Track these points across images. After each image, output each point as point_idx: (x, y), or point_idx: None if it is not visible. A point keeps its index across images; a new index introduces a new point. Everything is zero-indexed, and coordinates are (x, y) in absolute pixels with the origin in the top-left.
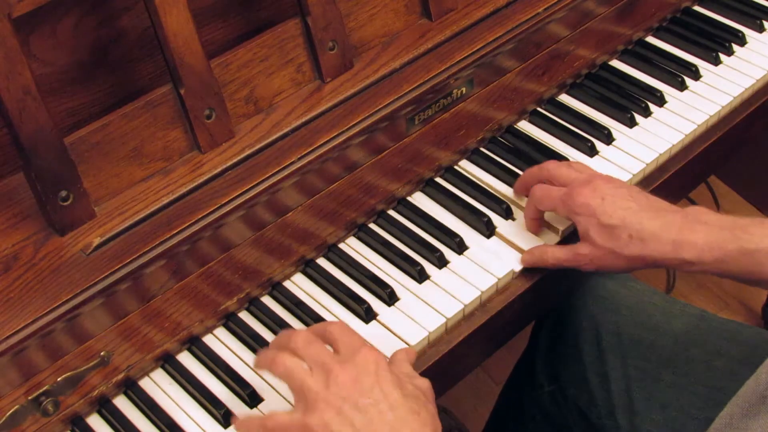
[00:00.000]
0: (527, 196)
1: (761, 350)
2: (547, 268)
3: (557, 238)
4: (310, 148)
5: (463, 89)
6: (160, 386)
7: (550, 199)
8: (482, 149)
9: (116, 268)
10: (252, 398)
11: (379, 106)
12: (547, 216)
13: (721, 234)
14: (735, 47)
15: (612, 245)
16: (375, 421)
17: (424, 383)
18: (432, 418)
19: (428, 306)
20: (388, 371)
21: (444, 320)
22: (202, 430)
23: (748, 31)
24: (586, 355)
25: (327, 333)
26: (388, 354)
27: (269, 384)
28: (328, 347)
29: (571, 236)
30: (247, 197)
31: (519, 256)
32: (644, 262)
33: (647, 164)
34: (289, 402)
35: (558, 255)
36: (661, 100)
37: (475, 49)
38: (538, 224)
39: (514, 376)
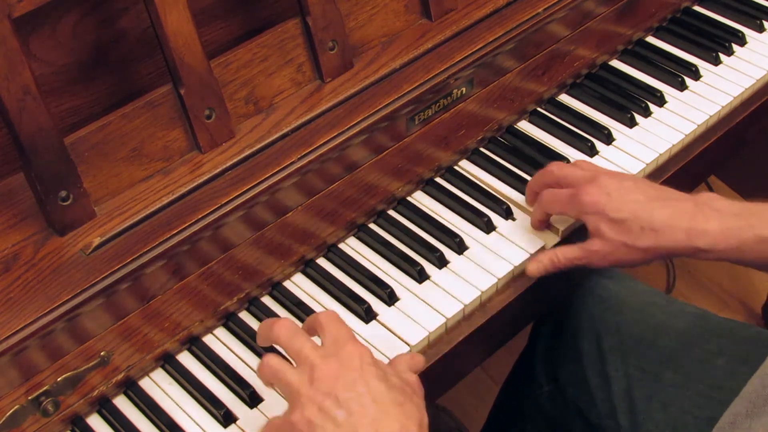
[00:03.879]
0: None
1: (761, 349)
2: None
3: (557, 239)
4: (310, 148)
5: (463, 89)
6: (160, 386)
7: (558, 202)
8: (482, 149)
9: (116, 268)
10: (252, 398)
11: (379, 106)
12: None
13: (736, 221)
14: (735, 47)
15: (624, 238)
16: (356, 415)
17: (412, 377)
18: (417, 410)
19: (428, 306)
20: (374, 365)
21: (444, 320)
22: (202, 430)
23: (748, 31)
24: (585, 355)
25: (316, 323)
26: (390, 353)
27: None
28: (315, 338)
29: (571, 236)
30: (247, 197)
31: (518, 255)
32: (658, 252)
33: (647, 164)
34: None
35: (569, 254)
36: (661, 100)
37: (475, 49)
38: (543, 225)
39: (513, 376)
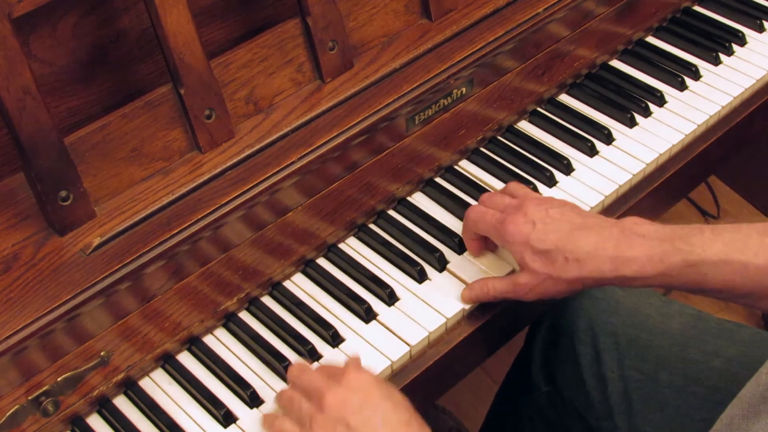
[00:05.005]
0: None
1: (758, 350)
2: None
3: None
4: (310, 148)
5: (463, 89)
6: (160, 386)
7: (484, 223)
8: (482, 149)
9: (116, 268)
10: (252, 398)
11: (379, 106)
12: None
13: (662, 246)
14: (735, 47)
15: (549, 270)
16: None
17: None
18: (420, 427)
19: (428, 306)
20: (376, 386)
21: (444, 320)
22: (202, 430)
23: (748, 31)
24: (582, 356)
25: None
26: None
27: (269, 385)
28: None
29: None
30: (247, 197)
31: None
32: (584, 283)
33: (647, 164)
34: None
35: (498, 287)
36: (661, 100)
37: (475, 49)
38: (478, 245)
39: (510, 377)
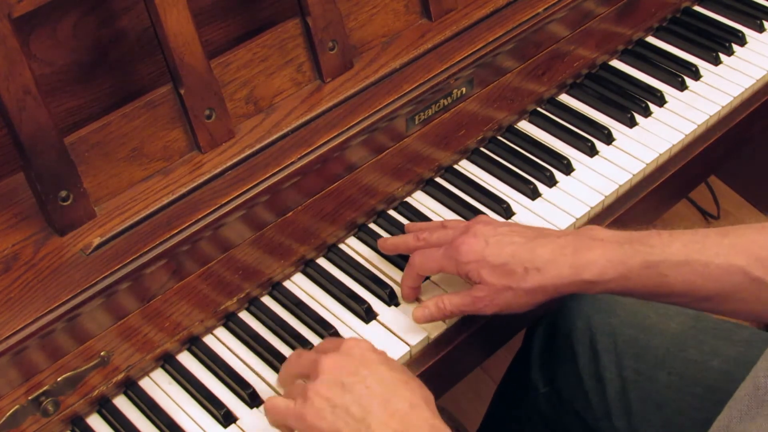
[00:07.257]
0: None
1: (757, 350)
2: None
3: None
4: (310, 148)
5: (463, 89)
6: (160, 386)
7: (433, 260)
8: (482, 149)
9: (116, 268)
10: (252, 398)
11: (379, 106)
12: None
13: (621, 249)
14: (735, 47)
15: (508, 281)
16: (364, 396)
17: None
18: (421, 388)
19: None
20: (374, 352)
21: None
22: (202, 430)
23: (748, 31)
24: (580, 356)
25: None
26: (391, 353)
27: (269, 385)
28: None
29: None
30: (247, 197)
31: None
32: (545, 292)
33: (647, 164)
34: None
35: (455, 301)
36: (661, 100)
37: (475, 49)
38: (415, 293)
39: (508, 377)
